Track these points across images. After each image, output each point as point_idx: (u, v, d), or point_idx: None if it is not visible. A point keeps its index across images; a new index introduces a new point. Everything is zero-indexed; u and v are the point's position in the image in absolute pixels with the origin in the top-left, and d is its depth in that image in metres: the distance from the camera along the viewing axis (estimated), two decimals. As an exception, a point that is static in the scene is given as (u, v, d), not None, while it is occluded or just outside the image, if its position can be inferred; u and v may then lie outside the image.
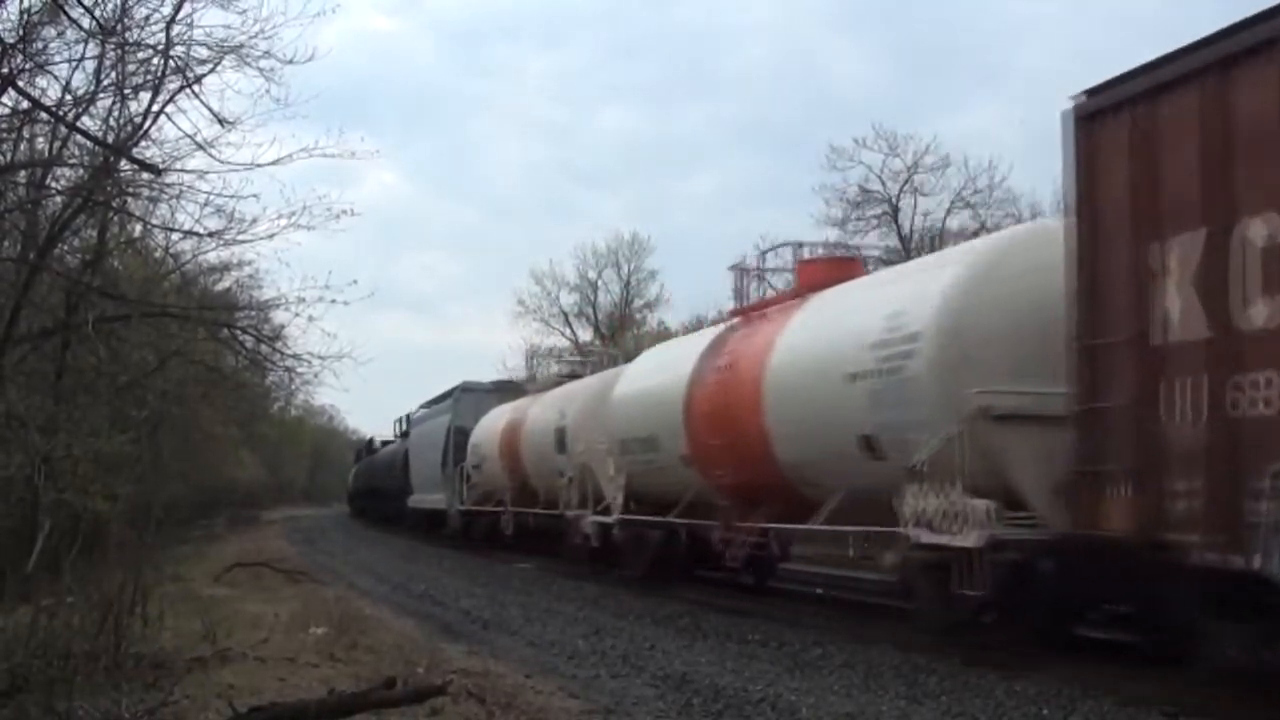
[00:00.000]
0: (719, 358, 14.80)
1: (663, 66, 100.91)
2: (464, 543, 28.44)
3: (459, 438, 29.42)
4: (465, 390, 32.03)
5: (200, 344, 17.25)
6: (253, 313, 19.26)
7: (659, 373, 17.14)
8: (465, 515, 28.41)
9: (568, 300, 54.62)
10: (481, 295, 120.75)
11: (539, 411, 23.25)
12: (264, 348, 17.19)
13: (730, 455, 13.83)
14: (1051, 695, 8.20)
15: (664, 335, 42.96)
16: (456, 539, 29.52)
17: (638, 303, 53.99)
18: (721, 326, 16.67)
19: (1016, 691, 8.40)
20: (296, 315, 14.43)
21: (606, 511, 18.03)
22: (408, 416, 42.65)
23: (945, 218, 34.79)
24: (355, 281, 13.71)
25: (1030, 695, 8.26)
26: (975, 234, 33.55)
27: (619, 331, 50.59)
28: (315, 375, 16.88)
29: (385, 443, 51.84)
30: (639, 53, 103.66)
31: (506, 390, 31.01)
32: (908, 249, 34.69)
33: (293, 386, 27.02)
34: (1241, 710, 7.72)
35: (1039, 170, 63.23)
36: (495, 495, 25.83)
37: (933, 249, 33.95)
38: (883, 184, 34.76)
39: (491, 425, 26.70)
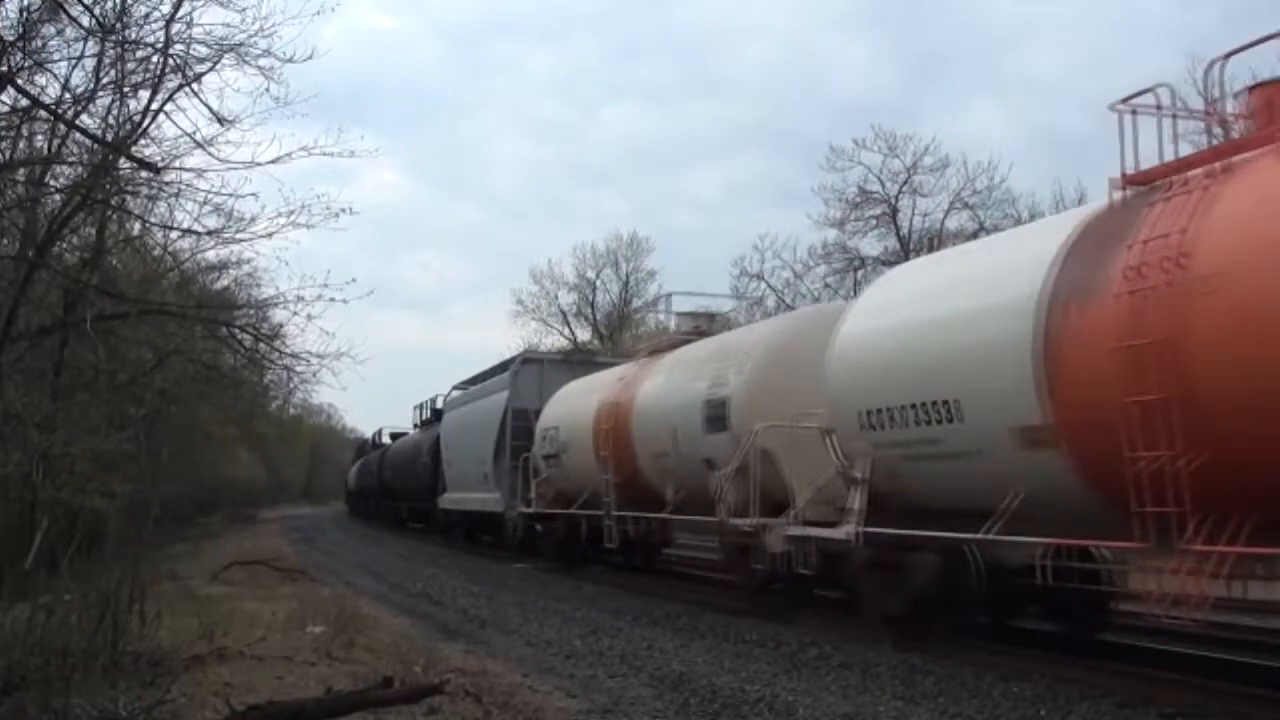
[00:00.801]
0: (1125, 254, 8.19)
1: (665, 67, 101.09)
2: (528, 555, 22.63)
3: (519, 421, 23.46)
4: (527, 362, 25.74)
5: (199, 342, 17.22)
6: (251, 311, 19.22)
7: (949, 300, 10.43)
8: (532, 520, 22.22)
9: (566, 300, 54.87)
10: (481, 295, 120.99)
11: (667, 379, 16.83)
12: (262, 346, 17.20)
13: (1172, 420, 7.51)
14: (1049, 697, 8.21)
15: (664, 335, 42.74)
16: (516, 550, 23.53)
17: (636, 303, 54.15)
18: (1090, 209, 9.65)
19: (1014, 693, 8.41)
20: (295, 314, 14.44)
21: (796, 519, 12.22)
22: (433, 401, 37.00)
23: (944, 219, 34.89)
24: (354, 280, 13.65)
25: (1027, 696, 8.27)
26: (974, 236, 33.70)
27: (617, 331, 50.71)
28: (314, 374, 16.89)
29: (397, 435, 46.97)
30: (642, 52, 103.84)
31: (579, 361, 25.34)
32: (906, 250, 34.78)
33: (291, 385, 26.85)
34: (1240, 710, 7.72)
35: (1039, 171, 63.55)
36: (580, 495, 19.49)
37: (932, 250, 34.08)
38: (881, 185, 34.88)
39: (574, 403, 20.38)
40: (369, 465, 50.80)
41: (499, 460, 23.99)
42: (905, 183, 34.65)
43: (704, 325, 19.09)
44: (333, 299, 13.62)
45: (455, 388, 32.50)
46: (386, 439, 50.02)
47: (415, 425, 41.44)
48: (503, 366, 27.34)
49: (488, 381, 28.15)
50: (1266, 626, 11.33)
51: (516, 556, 23.16)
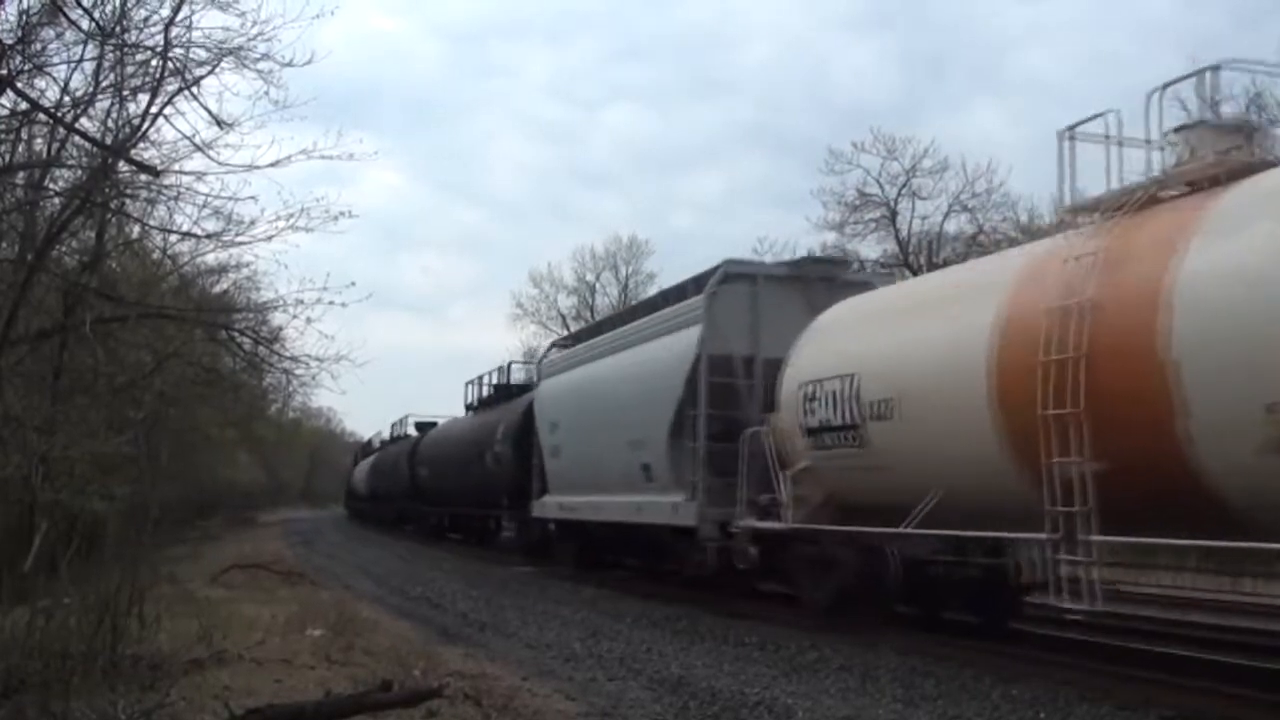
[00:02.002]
0: None
1: (666, 68, 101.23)
2: (747, 599, 14.64)
3: (718, 377, 14.63)
4: (731, 279, 15.42)
5: (198, 345, 17.26)
6: (250, 314, 19.28)
7: None
8: (767, 542, 13.19)
9: (565, 303, 54.74)
10: (481, 297, 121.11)
11: None
12: (261, 349, 17.25)
13: None
14: (1048, 699, 8.21)
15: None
16: (709, 588, 15.25)
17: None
18: None
19: (1013, 695, 8.41)
20: (294, 317, 14.48)
21: None
22: (505, 371, 29.10)
23: (943, 221, 34.93)
24: (353, 283, 13.67)
25: (1027, 699, 8.27)
26: (974, 238, 33.72)
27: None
28: (313, 377, 16.93)
29: (426, 425, 39.42)
30: (642, 54, 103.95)
31: (821, 278, 15.28)
32: (905, 252, 34.80)
33: (290, 388, 27.01)
34: (1240, 712, 7.73)
35: (1040, 173, 63.57)
36: (919, 499, 10.41)
37: (931, 253, 34.13)
38: (880, 187, 34.90)
39: (892, 327, 11.79)
40: (389, 462, 41.54)
41: (677, 440, 15.23)
42: (904, 185, 34.70)
43: (1243, 143, 9.21)
44: (332, 302, 13.67)
45: (555, 344, 24.46)
46: (411, 430, 41.87)
47: (468, 407, 32.08)
48: (681, 290, 16.91)
49: (653, 316, 17.53)
50: (1264, 629, 11.35)
51: (519, 561, 22.60)
